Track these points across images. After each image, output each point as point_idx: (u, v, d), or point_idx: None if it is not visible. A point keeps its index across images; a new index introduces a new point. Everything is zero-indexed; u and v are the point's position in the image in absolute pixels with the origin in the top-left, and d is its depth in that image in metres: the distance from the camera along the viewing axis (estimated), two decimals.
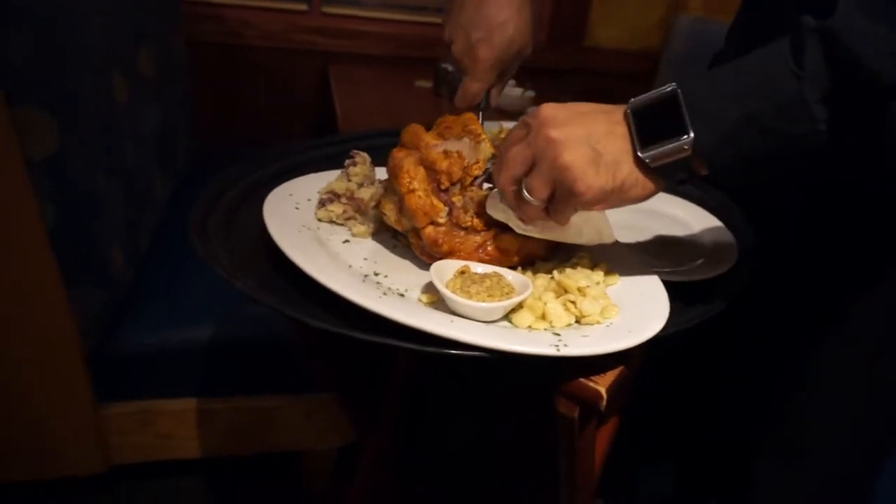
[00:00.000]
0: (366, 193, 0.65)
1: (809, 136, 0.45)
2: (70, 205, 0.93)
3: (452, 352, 0.46)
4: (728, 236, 0.72)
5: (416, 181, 0.57)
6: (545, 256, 0.61)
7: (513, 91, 1.64)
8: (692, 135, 0.47)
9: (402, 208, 0.58)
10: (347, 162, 0.69)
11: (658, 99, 0.49)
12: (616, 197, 0.50)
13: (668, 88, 0.48)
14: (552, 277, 0.55)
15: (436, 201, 0.57)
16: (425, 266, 0.59)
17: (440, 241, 0.57)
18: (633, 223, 0.75)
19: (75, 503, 1.20)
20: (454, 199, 0.58)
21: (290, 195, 0.66)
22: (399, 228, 0.61)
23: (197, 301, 1.12)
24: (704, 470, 0.92)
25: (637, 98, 0.50)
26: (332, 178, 0.69)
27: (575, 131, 0.49)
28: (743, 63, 0.47)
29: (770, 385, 0.75)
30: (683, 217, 0.78)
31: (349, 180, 0.67)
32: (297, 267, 0.52)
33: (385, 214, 0.61)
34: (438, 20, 0.79)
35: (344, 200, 0.66)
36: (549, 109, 0.50)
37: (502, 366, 0.46)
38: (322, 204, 0.66)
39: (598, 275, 0.57)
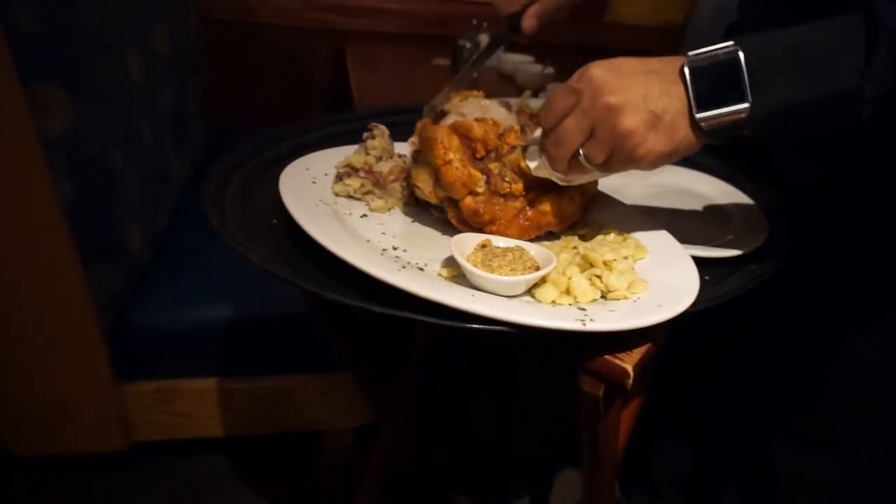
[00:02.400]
0: (384, 167, 0.63)
1: (852, 124, 0.47)
2: (86, 183, 0.93)
3: (474, 326, 0.44)
4: (758, 213, 0.70)
5: (451, 151, 0.56)
6: (580, 218, 0.61)
7: (532, 67, 1.60)
8: (750, 103, 0.47)
9: (437, 180, 0.57)
10: (366, 135, 0.67)
11: (717, 60, 0.48)
12: (669, 158, 0.50)
13: (728, 48, 0.47)
14: (577, 251, 0.53)
15: (473, 171, 0.56)
16: (445, 240, 0.58)
17: (481, 210, 0.56)
18: (661, 199, 0.73)
19: (97, 479, 1.21)
20: (491, 166, 0.57)
21: (307, 169, 0.64)
22: (433, 200, 0.59)
23: (215, 280, 1.11)
24: (724, 452, 0.90)
25: (694, 55, 0.49)
26: (349, 153, 0.67)
27: (632, 95, 0.48)
28: (808, 39, 0.47)
29: (797, 367, 0.73)
30: (712, 194, 0.75)
31: (367, 154, 0.65)
32: (314, 241, 0.51)
33: (417, 187, 0.59)
34: None
35: (362, 174, 0.64)
36: (599, 73, 0.49)
37: (525, 341, 0.44)
38: (339, 178, 0.65)
39: (626, 249, 0.55)
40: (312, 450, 1.29)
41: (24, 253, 0.91)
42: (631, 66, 0.50)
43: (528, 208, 0.56)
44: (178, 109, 1.38)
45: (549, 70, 1.58)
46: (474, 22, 1.73)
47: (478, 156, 0.57)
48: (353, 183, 0.63)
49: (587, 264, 0.51)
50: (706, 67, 0.48)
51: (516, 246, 0.53)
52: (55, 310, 0.96)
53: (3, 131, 0.82)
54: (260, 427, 1.19)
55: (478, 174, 0.56)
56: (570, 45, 2.08)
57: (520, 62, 1.66)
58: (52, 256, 0.92)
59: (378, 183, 0.63)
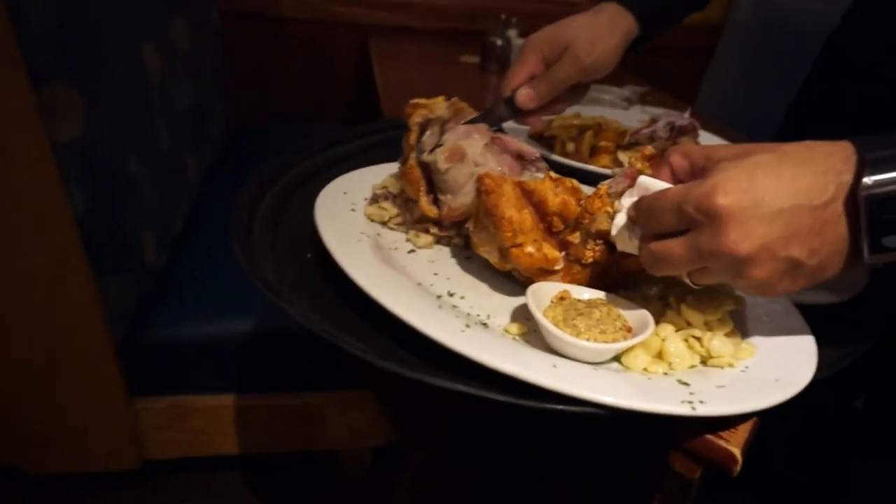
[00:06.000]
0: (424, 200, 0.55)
1: None
2: (100, 189, 0.86)
3: (559, 407, 0.37)
4: None
5: (521, 234, 0.45)
6: None
7: None
8: None
9: (504, 256, 0.47)
10: (401, 159, 0.59)
11: None
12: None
13: None
14: (669, 306, 0.45)
15: (549, 251, 0.46)
16: (505, 285, 0.50)
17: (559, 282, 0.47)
18: None
19: (109, 496, 1.16)
20: (570, 238, 0.47)
21: (345, 193, 0.57)
22: (503, 269, 0.50)
23: (232, 290, 1.05)
24: None
25: (873, 183, 0.35)
26: (389, 170, 0.60)
27: (769, 241, 0.36)
28: None
29: None
30: None
31: None
32: (358, 287, 0.44)
33: (481, 255, 0.50)
34: None
35: (399, 203, 0.56)
36: (728, 204, 0.36)
37: (616, 424, 0.36)
38: (375, 199, 0.57)
39: (725, 303, 0.46)
40: (330, 468, 1.23)
41: (34, 265, 0.84)
42: (777, 193, 0.36)
43: (612, 267, 0.47)
44: (197, 108, 1.31)
45: None
46: (503, 17, 1.65)
47: (554, 230, 0.47)
48: (390, 209, 0.56)
49: (683, 322, 0.43)
50: (888, 199, 0.35)
51: (600, 300, 0.45)
52: (66, 323, 0.90)
53: (13, 137, 0.76)
54: (277, 445, 1.13)
55: (555, 254, 0.46)
56: None
57: None
58: (62, 268, 0.85)
59: (412, 221, 0.55)
